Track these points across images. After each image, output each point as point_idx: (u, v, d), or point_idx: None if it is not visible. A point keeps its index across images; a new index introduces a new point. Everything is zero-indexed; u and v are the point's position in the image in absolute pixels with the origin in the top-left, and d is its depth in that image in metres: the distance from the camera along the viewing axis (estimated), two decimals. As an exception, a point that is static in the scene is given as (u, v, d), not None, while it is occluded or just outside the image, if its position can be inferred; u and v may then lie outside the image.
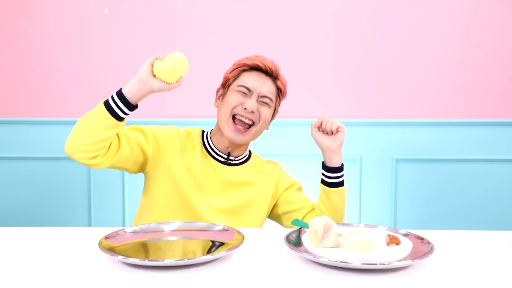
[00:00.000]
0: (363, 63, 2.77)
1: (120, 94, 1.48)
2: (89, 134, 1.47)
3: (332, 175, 1.67)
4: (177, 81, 1.51)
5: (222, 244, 1.29)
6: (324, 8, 2.75)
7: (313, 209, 1.73)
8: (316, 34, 2.76)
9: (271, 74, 1.70)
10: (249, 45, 2.73)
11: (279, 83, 1.72)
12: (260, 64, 1.68)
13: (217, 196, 1.69)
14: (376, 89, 2.77)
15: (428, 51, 2.76)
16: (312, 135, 1.69)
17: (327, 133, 1.68)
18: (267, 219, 1.82)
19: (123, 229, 1.36)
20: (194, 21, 2.74)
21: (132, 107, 1.50)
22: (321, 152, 1.70)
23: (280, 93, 1.74)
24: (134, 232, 1.37)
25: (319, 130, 1.69)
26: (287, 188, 1.77)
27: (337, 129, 1.66)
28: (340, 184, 1.68)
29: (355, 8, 2.74)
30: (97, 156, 1.51)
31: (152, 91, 1.50)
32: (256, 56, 1.73)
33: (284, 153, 2.70)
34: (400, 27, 2.75)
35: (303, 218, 1.71)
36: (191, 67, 2.68)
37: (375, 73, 2.77)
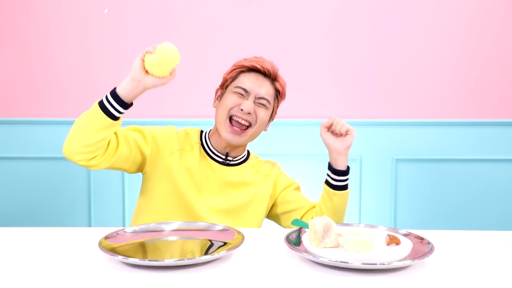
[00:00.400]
0: (363, 63, 2.77)
1: (114, 93, 1.47)
2: (86, 135, 1.46)
3: (338, 178, 1.66)
4: (170, 74, 1.49)
5: (222, 244, 1.29)
6: (324, 8, 2.75)
7: (311, 208, 1.73)
8: (316, 34, 2.76)
9: (270, 76, 1.69)
10: (249, 46, 2.73)
11: (277, 85, 1.71)
12: (258, 66, 1.67)
13: (215, 196, 1.69)
14: (376, 89, 2.77)
15: (428, 51, 2.76)
16: (320, 135, 1.68)
17: (336, 134, 1.67)
18: (266, 219, 1.82)
19: (123, 229, 1.36)
20: (194, 21, 2.74)
21: (127, 105, 1.49)
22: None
23: (278, 94, 1.73)
24: (134, 232, 1.37)
25: (328, 131, 1.68)
26: (285, 188, 1.77)
27: (346, 131, 1.65)
28: (344, 187, 1.67)
29: (355, 8, 2.74)
30: (95, 157, 1.50)
31: (147, 88, 1.48)
32: (256, 57, 1.72)
33: (284, 153, 2.70)
34: (400, 27, 2.76)
35: (301, 218, 1.71)
36: (191, 67, 2.70)
37: (375, 73, 2.77)
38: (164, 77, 1.48)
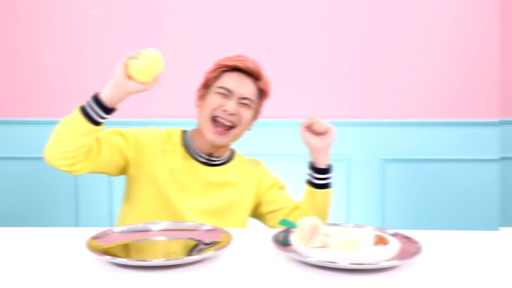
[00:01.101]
0: (351, 63, 2.78)
1: (96, 98, 1.44)
2: (67, 141, 1.44)
3: (320, 176, 1.65)
4: (153, 80, 1.47)
5: (210, 244, 1.29)
6: (312, 9, 2.75)
7: (296, 208, 1.71)
8: (304, 34, 2.76)
9: (252, 75, 1.68)
10: (237, 46, 2.72)
11: (261, 84, 1.69)
12: (241, 65, 1.66)
13: (199, 197, 1.67)
14: (364, 89, 2.79)
15: (416, 52, 2.78)
16: (300, 135, 1.67)
17: (316, 133, 1.67)
18: (251, 218, 1.81)
19: (110, 229, 1.36)
20: (182, 21, 2.74)
21: (109, 110, 1.46)
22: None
23: (262, 94, 1.72)
24: (122, 232, 1.36)
25: (308, 130, 1.68)
26: (270, 188, 1.76)
27: (326, 129, 1.65)
28: (327, 186, 1.66)
29: (344, 8, 2.75)
30: (76, 162, 1.48)
31: (130, 94, 1.45)
32: (238, 56, 1.70)
33: (273, 153, 2.70)
34: (388, 27, 2.77)
35: (286, 217, 1.70)
36: (178, 67, 2.69)
37: (363, 73, 2.78)
38: (147, 83, 1.46)
